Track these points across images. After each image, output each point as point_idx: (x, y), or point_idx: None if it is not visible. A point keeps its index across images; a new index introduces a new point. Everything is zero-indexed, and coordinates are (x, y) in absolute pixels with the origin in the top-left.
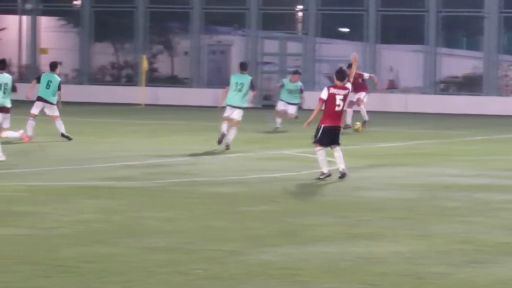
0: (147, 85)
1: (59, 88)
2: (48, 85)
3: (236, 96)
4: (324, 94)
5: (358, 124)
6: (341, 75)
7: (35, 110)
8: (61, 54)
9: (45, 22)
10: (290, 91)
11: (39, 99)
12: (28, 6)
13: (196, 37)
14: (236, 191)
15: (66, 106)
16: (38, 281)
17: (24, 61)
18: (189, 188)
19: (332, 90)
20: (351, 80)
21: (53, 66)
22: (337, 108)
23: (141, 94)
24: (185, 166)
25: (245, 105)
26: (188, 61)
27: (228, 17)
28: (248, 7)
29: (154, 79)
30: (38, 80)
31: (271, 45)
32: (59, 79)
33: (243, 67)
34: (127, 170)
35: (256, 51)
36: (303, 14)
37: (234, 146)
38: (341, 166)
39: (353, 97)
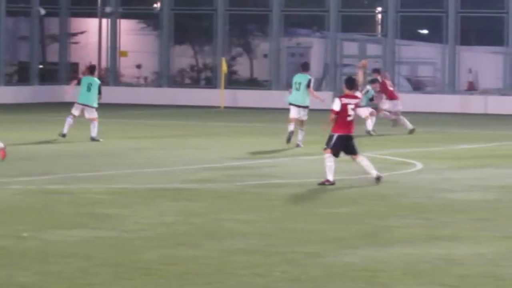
0: (226, 88)
1: (99, 92)
2: (88, 88)
3: (296, 95)
4: (336, 106)
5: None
6: (351, 83)
7: (75, 111)
8: (140, 57)
9: (125, 25)
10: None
11: (80, 102)
12: (108, 9)
13: (276, 39)
14: (316, 193)
15: (146, 109)
16: (120, 283)
17: (104, 64)
18: (269, 190)
19: (344, 101)
20: (360, 88)
21: (92, 69)
22: (349, 118)
23: (220, 96)
24: (265, 169)
25: (307, 103)
26: (267, 64)
27: (308, 19)
28: (327, 9)
29: (233, 82)
30: (79, 82)
31: (350, 47)
32: (99, 82)
33: (304, 67)
34: (207, 173)
35: (335, 53)
36: (382, 16)
37: (315, 148)
38: (374, 172)
39: (397, 105)
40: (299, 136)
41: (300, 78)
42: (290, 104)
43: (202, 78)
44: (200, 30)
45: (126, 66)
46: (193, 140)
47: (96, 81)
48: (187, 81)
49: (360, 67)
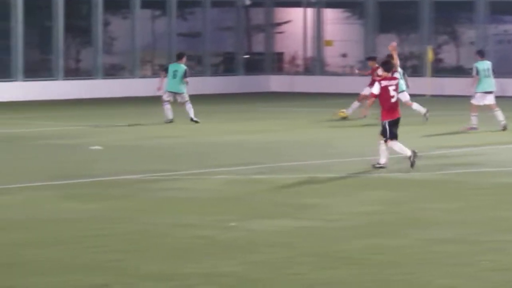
0: (432, 76)
1: (185, 76)
2: (174, 75)
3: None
4: (376, 89)
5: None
6: (388, 66)
7: (167, 97)
8: (345, 46)
9: (329, 14)
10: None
11: (169, 90)
12: None
13: (482, 27)
14: None
15: (351, 98)
16: (323, 272)
17: (309, 53)
18: (473, 179)
19: (384, 83)
20: (397, 69)
21: (180, 56)
22: (392, 100)
23: (427, 85)
24: (468, 157)
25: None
26: (473, 51)
27: None
28: None
29: (439, 70)
30: (166, 71)
31: None
32: (184, 67)
33: (480, 54)
34: (409, 162)
35: None
36: None
37: None
38: (408, 152)
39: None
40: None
41: (483, 65)
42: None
43: (408, 66)
44: (405, 18)
45: (331, 56)
46: None
47: (182, 67)
48: None
49: (393, 50)
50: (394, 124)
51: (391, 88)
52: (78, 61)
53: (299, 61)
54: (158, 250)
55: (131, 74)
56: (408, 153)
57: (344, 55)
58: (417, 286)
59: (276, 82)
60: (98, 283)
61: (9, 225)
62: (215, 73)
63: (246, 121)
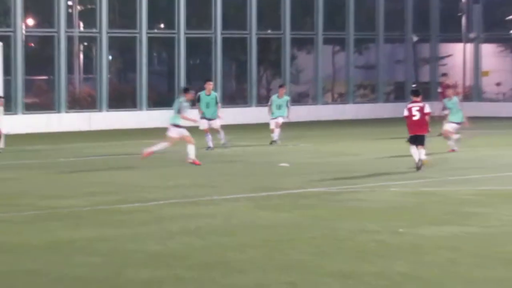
0: None
1: (216, 103)
2: (207, 105)
3: None
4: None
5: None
6: (415, 93)
7: (203, 126)
8: (499, 76)
9: (486, 49)
10: None
11: (205, 117)
12: (472, 35)
13: None
14: None
15: (505, 121)
16: (484, 271)
17: (468, 82)
18: None
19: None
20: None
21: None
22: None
23: None
24: None
25: None
26: None
27: None
28: None
29: None
30: (198, 100)
31: None
32: (215, 95)
33: None
34: None
35: None
36: None
37: None
38: (416, 158)
39: None
40: None
41: None
42: None
43: None
44: None
45: (487, 84)
46: None
47: (211, 96)
48: None
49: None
50: (414, 138)
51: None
52: (269, 90)
53: (460, 90)
54: (339, 252)
55: (314, 101)
56: (416, 159)
57: (498, 84)
58: None
59: (439, 108)
60: (287, 281)
61: (215, 231)
62: (387, 100)
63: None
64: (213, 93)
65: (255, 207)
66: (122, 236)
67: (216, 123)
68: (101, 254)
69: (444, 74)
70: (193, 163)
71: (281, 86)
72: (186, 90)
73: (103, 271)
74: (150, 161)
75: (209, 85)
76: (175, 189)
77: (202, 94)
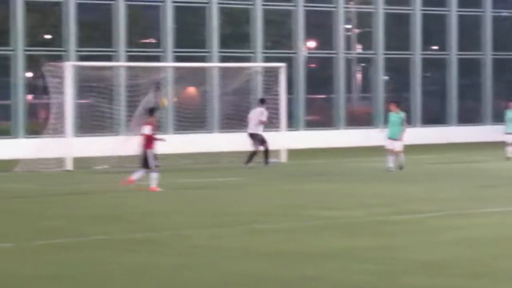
0: None
1: (402, 124)
2: (393, 123)
3: None
4: None
5: None
6: None
7: (388, 146)
8: None
9: None
10: None
11: (389, 137)
12: None
13: None
14: None
15: None
16: None
17: None
18: None
19: None
20: None
21: (397, 104)
22: None
23: None
24: None
25: None
26: None
27: None
28: None
29: None
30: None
31: None
32: (401, 115)
33: None
34: None
35: None
36: None
37: None
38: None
39: None
40: None
41: None
42: None
43: None
44: None
45: None
46: None
47: (398, 116)
48: None
49: None
50: None
51: None
52: None
53: None
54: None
55: None
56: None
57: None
58: None
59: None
60: None
61: (484, 242)
62: None
63: None
64: (400, 113)
65: None
66: (395, 245)
67: (397, 145)
68: (376, 262)
69: None
70: None
71: None
72: None
73: (379, 278)
74: (416, 174)
75: (392, 105)
76: (444, 202)
77: (391, 112)
